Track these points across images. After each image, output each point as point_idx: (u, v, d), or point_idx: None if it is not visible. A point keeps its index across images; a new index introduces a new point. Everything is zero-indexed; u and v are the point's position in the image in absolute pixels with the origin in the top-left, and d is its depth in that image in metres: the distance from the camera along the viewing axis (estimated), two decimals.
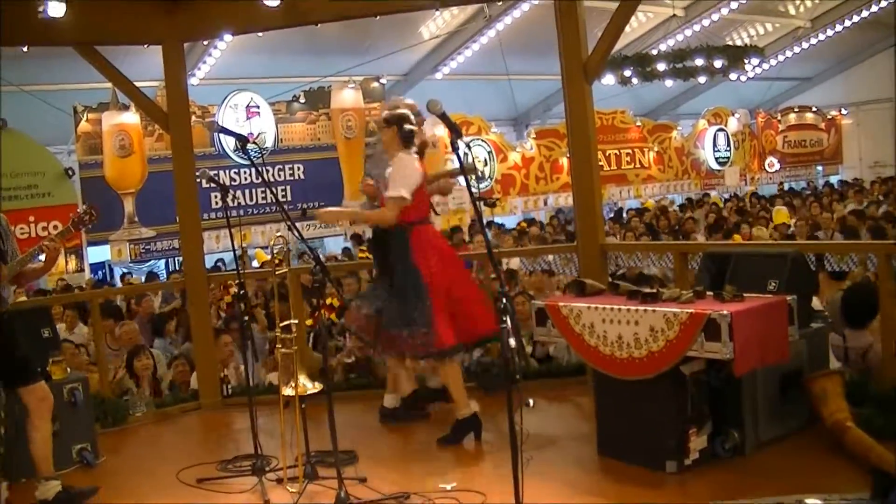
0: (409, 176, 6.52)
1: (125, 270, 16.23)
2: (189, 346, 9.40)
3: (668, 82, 19.92)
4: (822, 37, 24.93)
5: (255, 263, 15.50)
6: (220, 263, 15.80)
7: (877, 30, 26.13)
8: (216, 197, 14.43)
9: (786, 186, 26.31)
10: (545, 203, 20.74)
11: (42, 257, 5.91)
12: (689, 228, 15.21)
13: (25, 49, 8.93)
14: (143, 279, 15.34)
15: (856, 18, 24.00)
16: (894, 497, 3.46)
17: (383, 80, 18.45)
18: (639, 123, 23.07)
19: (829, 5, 23.79)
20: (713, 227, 14.59)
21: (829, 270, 9.04)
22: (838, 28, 24.49)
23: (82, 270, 15.53)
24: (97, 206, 6.41)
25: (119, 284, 15.17)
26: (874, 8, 23.41)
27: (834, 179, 27.84)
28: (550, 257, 10.98)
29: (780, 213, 17.07)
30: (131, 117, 15.20)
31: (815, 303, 7.30)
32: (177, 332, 10.55)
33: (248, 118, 16.47)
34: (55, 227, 12.77)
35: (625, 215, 20.01)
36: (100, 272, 17.10)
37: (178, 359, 9.03)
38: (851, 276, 8.69)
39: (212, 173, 6.84)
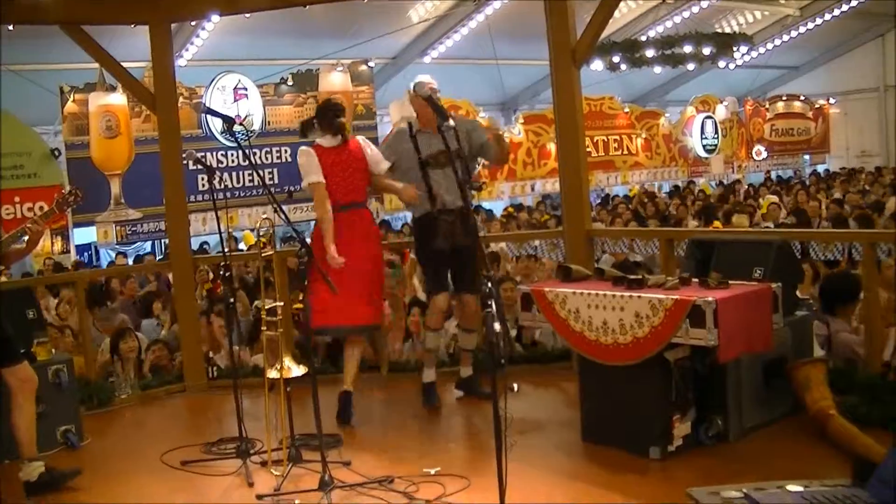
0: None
1: (119, 251, 16.17)
2: (175, 329, 9.40)
3: (657, 69, 19.92)
4: (810, 26, 24.95)
5: (243, 245, 15.49)
6: (205, 246, 15.77)
7: (865, 20, 26.18)
8: (203, 179, 14.37)
9: (773, 175, 26.35)
10: (532, 189, 20.73)
11: (26, 238, 5.89)
12: (681, 215, 15.18)
13: (11, 28, 8.86)
14: (131, 262, 15.31)
15: (844, 8, 24.02)
16: (873, 483, 3.47)
17: (371, 64, 18.41)
18: (627, 110, 23.06)
19: None
20: (701, 214, 14.61)
21: (824, 259, 9.08)
22: (827, 17, 24.50)
23: (68, 252, 15.47)
24: (82, 187, 6.39)
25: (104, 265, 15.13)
26: None
27: (821, 168, 27.94)
28: (537, 242, 10.98)
29: (771, 201, 17.07)
30: (118, 98, 15.13)
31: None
32: (164, 311, 10.51)
33: (235, 100, 16.42)
34: (41, 208, 12.71)
35: (610, 202, 20.04)
36: (85, 254, 17.04)
37: (156, 343, 8.99)
38: None
39: (199, 155, 6.83)
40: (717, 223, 13.16)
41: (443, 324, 7.48)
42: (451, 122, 5.10)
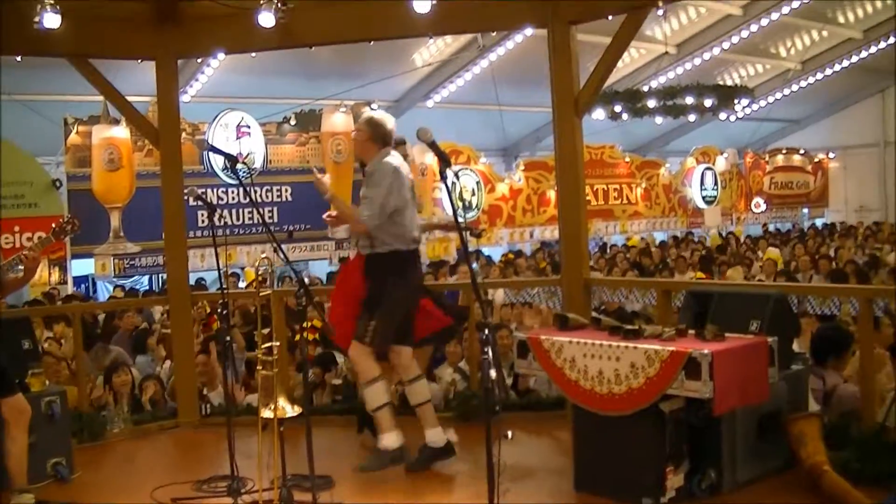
0: None
1: (117, 284, 16.15)
2: (169, 366, 9.39)
3: (658, 119, 20.03)
4: (811, 80, 25.12)
5: (242, 284, 15.46)
6: (202, 282, 15.76)
7: (865, 75, 26.36)
8: (203, 215, 14.37)
9: (770, 227, 26.39)
10: (531, 235, 20.77)
11: (21, 267, 5.89)
12: (681, 268, 15.14)
13: (19, 59, 8.91)
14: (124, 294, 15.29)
15: (845, 63, 24.20)
16: None
17: (374, 106, 18.42)
18: (627, 159, 23.16)
19: (819, 48, 23.97)
20: (701, 265, 14.63)
21: (818, 314, 9.11)
22: (828, 72, 24.68)
23: (65, 283, 15.45)
24: (81, 218, 6.40)
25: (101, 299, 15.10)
26: (863, 53, 23.61)
27: (819, 222, 28.01)
28: (535, 290, 10.99)
29: (771, 254, 17.11)
30: (121, 131, 15.17)
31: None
32: (159, 346, 10.48)
33: (238, 137, 16.46)
34: (39, 238, 12.72)
35: (608, 250, 20.07)
36: (82, 285, 17.02)
37: (148, 379, 8.97)
38: None
39: (200, 191, 6.85)
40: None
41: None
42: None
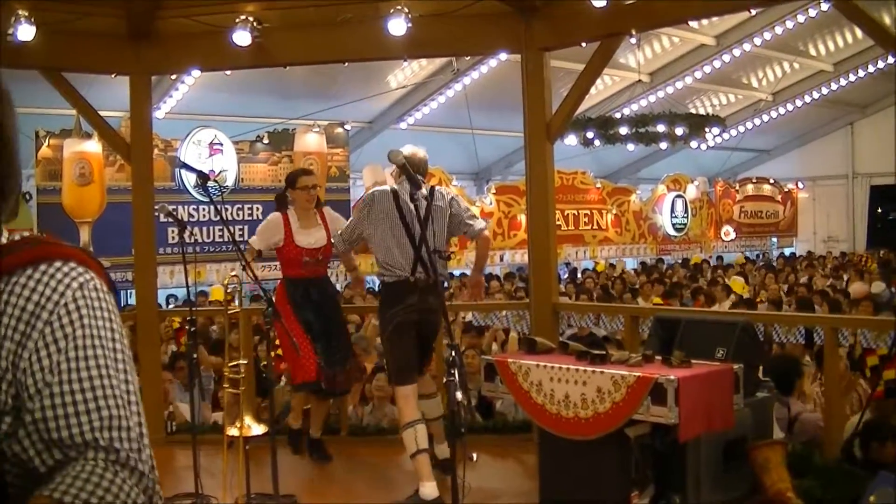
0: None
1: None
2: None
3: (630, 146, 20.10)
4: (782, 111, 25.32)
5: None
6: (171, 299, 15.68)
7: (835, 108, 26.65)
8: (173, 232, 14.31)
9: (743, 256, 26.59)
10: (501, 259, 20.80)
11: None
12: (645, 294, 15.20)
13: None
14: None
15: (816, 95, 24.42)
16: None
17: (348, 127, 18.49)
18: (599, 185, 23.25)
19: (790, 80, 24.19)
20: (667, 293, 14.69)
21: (781, 342, 9.17)
22: (798, 103, 24.88)
23: None
24: (49, 231, 6.38)
25: None
26: (834, 86, 23.85)
27: (788, 251, 28.23)
28: (504, 313, 10.98)
29: (736, 283, 17.22)
30: (93, 146, 15.08)
31: None
32: None
33: (210, 155, 16.41)
34: None
35: (579, 276, 20.13)
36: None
37: None
38: None
39: (170, 208, 6.85)
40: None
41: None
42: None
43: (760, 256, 27.41)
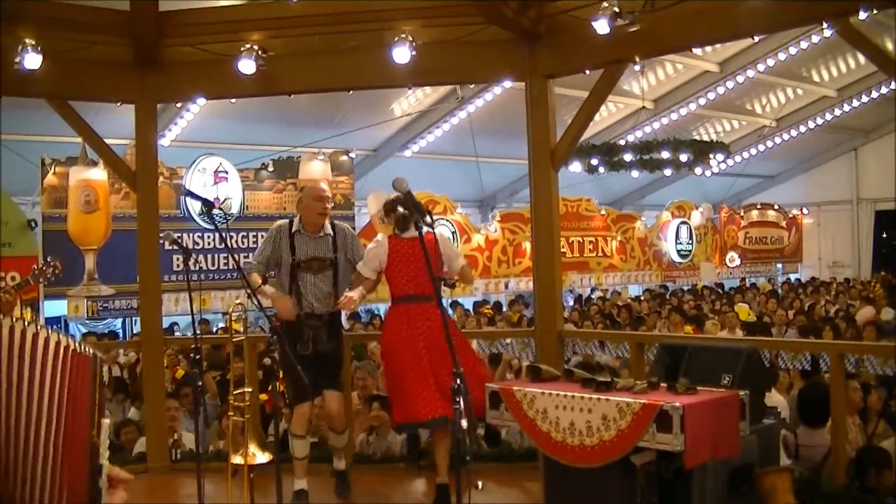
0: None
1: (89, 329, 16.00)
2: (136, 411, 9.32)
3: (635, 173, 20.12)
4: (786, 137, 25.36)
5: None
6: (174, 326, 15.67)
7: (839, 133, 26.70)
8: (178, 259, 14.36)
9: (747, 282, 26.54)
10: (506, 286, 20.77)
11: None
12: (650, 323, 15.11)
13: None
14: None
15: (820, 121, 24.46)
16: None
17: (352, 154, 18.52)
18: (603, 212, 23.24)
19: (794, 106, 24.23)
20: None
21: (801, 369, 9.14)
22: (802, 129, 24.92)
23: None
24: (61, 259, 6.39)
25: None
26: (837, 111, 23.90)
27: (793, 277, 28.19)
28: (508, 340, 10.98)
29: (742, 310, 17.17)
30: (99, 173, 15.12)
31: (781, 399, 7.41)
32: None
33: (215, 182, 16.44)
34: (13, 279, 12.68)
35: (585, 303, 20.10)
36: (55, 326, 16.83)
37: (128, 425, 8.91)
38: None
39: (176, 235, 6.85)
40: (687, 328, 13.23)
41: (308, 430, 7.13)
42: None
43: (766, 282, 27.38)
